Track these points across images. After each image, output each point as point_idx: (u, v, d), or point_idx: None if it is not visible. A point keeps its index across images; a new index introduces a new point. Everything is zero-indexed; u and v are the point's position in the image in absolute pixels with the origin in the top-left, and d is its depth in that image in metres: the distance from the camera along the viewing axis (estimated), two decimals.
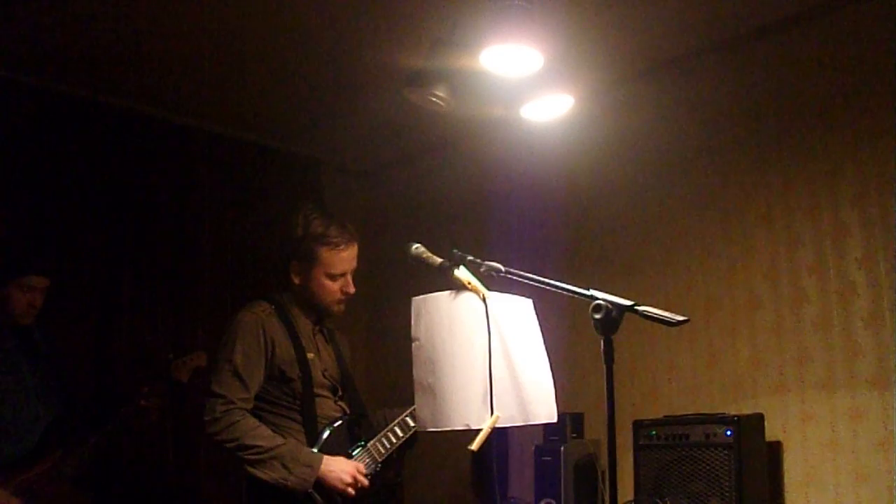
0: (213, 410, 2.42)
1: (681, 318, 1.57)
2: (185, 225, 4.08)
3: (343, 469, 2.47)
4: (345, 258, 2.60)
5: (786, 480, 3.05)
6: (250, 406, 2.49)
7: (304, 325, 2.66)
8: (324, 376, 2.63)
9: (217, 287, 4.09)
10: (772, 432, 3.04)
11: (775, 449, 3.07)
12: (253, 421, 2.47)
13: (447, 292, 1.80)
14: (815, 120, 3.13)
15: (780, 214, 3.20)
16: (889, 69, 2.92)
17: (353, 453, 2.58)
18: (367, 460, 2.58)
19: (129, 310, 3.79)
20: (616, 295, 1.62)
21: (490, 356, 1.74)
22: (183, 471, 3.79)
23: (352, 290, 2.64)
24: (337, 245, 2.58)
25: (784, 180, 3.20)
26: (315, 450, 2.51)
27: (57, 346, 3.09)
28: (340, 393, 2.69)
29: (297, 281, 2.63)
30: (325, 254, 2.57)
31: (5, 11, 3.03)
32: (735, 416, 2.81)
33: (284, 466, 2.40)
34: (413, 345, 1.77)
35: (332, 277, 2.59)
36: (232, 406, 2.43)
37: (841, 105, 3.06)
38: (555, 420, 1.84)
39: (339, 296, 2.63)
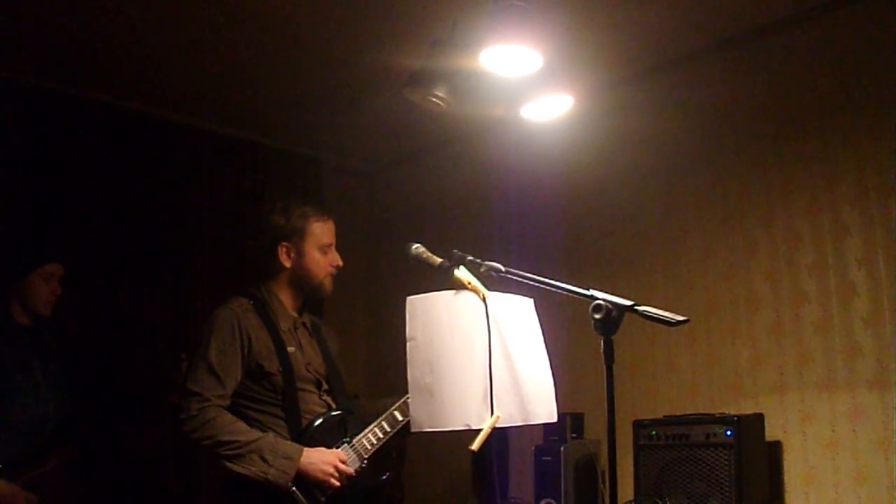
0: (189, 408, 2.38)
1: (681, 318, 1.57)
2: (186, 224, 4.08)
3: (324, 460, 2.42)
4: (331, 229, 2.71)
5: (786, 480, 3.05)
6: (227, 403, 2.45)
7: (285, 318, 2.64)
8: (307, 370, 2.60)
9: (217, 287, 4.08)
10: (772, 432, 3.04)
11: (775, 449, 3.07)
12: (229, 417, 2.42)
13: (445, 292, 1.80)
14: (815, 120, 3.13)
15: (780, 214, 3.20)
16: (889, 69, 2.92)
17: (338, 450, 2.53)
18: (353, 456, 2.53)
19: (130, 309, 3.80)
20: (616, 295, 1.62)
21: (490, 356, 1.73)
22: (184, 470, 3.79)
23: (340, 262, 2.71)
24: (322, 217, 2.70)
25: (784, 180, 3.20)
26: (299, 445, 2.46)
27: (67, 345, 3.10)
28: (326, 387, 2.65)
29: (288, 263, 2.64)
30: (314, 225, 2.66)
31: (5, 11, 3.03)
32: (735, 416, 2.81)
33: (263, 459, 2.36)
34: (409, 344, 1.76)
35: (323, 250, 2.67)
36: (207, 403, 2.39)
37: (841, 105, 3.06)
38: (555, 420, 1.84)
39: (330, 269, 2.69)
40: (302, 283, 2.66)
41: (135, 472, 3.60)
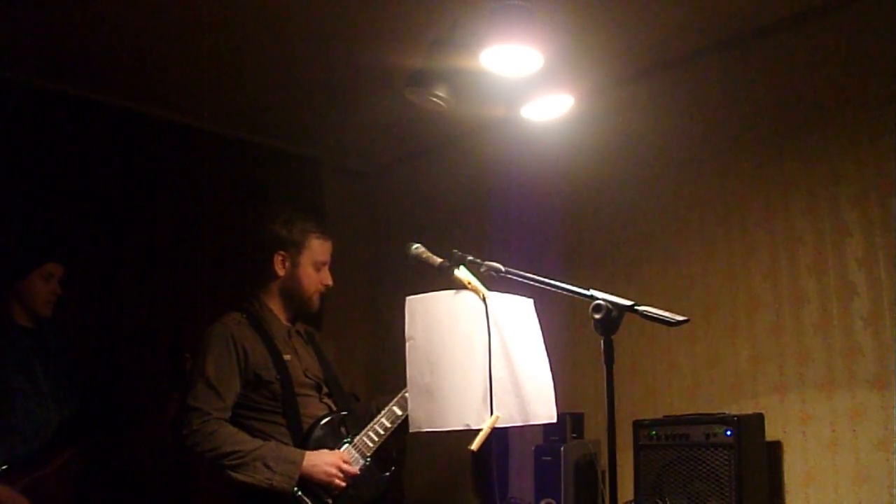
0: (191, 423, 2.43)
1: (681, 318, 1.57)
2: (185, 224, 4.08)
3: (326, 461, 2.46)
4: (328, 248, 2.75)
5: (786, 480, 3.05)
6: (227, 416, 2.50)
7: (279, 328, 2.68)
8: (305, 376, 2.64)
9: (217, 287, 4.09)
10: (772, 432, 3.04)
11: (775, 449, 3.07)
12: (231, 428, 2.47)
13: (444, 292, 1.80)
14: (815, 120, 3.13)
15: (780, 214, 3.20)
16: (889, 69, 2.92)
17: (340, 450, 2.57)
18: (356, 455, 2.57)
19: (130, 309, 3.79)
20: (616, 295, 1.62)
21: (490, 356, 1.73)
22: (183, 472, 3.79)
23: (330, 282, 2.74)
24: (323, 235, 2.73)
25: (784, 180, 3.20)
26: (302, 449, 2.50)
27: (68, 346, 3.10)
28: (326, 391, 2.69)
29: (281, 273, 2.68)
30: (314, 241, 2.70)
31: (5, 11, 3.03)
32: (735, 416, 2.80)
33: (267, 466, 2.40)
34: (408, 344, 1.76)
35: (317, 266, 2.70)
36: (208, 417, 2.44)
37: (841, 105, 3.06)
38: (555, 420, 1.84)
39: (320, 287, 2.72)
40: (292, 294, 2.70)
41: (135, 476, 3.60)
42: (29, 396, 2.82)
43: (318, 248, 2.70)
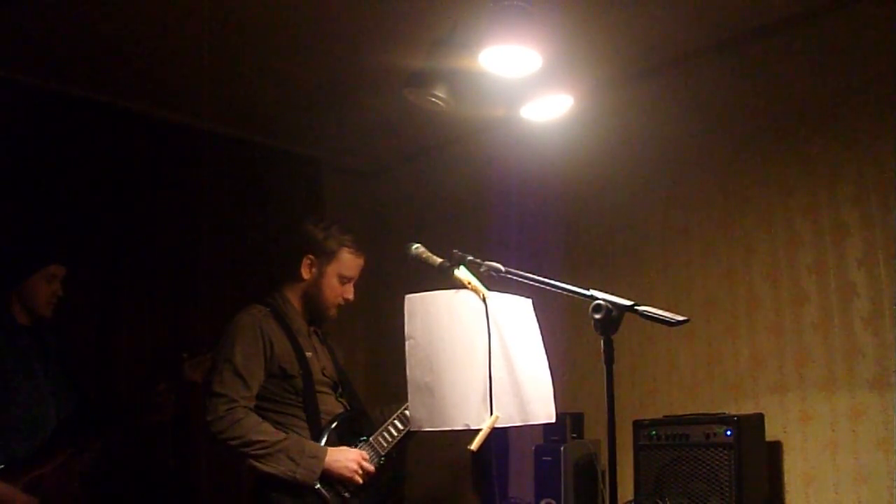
0: (216, 410, 2.46)
1: (681, 318, 1.57)
2: (185, 225, 4.09)
3: (348, 458, 2.53)
4: (358, 265, 2.78)
5: (786, 480, 3.05)
6: (252, 404, 2.54)
7: (300, 325, 2.73)
8: (323, 374, 2.71)
9: (217, 287, 4.09)
10: (772, 432, 3.04)
11: (775, 449, 3.07)
12: (256, 418, 2.51)
13: (444, 291, 1.80)
14: (815, 120, 3.13)
15: (780, 214, 3.20)
16: (889, 69, 2.92)
17: (357, 448, 2.63)
18: (371, 454, 2.63)
19: (130, 309, 3.80)
20: (616, 295, 1.62)
21: (490, 356, 1.74)
22: (183, 470, 3.79)
23: (351, 297, 2.78)
24: (356, 251, 2.76)
25: (784, 180, 3.20)
26: (320, 444, 2.56)
27: (67, 345, 3.10)
28: (340, 390, 2.76)
29: (306, 276, 2.72)
30: (345, 254, 2.73)
31: (5, 11, 3.03)
32: (735, 416, 2.80)
33: (291, 459, 2.45)
34: (407, 343, 1.76)
35: (342, 280, 2.74)
36: (234, 404, 2.48)
37: (841, 105, 3.06)
38: (554, 420, 1.84)
39: (339, 300, 2.76)
40: (312, 299, 2.75)
41: (134, 475, 3.60)
42: (28, 395, 2.82)
43: (347, 262, 2.73)
